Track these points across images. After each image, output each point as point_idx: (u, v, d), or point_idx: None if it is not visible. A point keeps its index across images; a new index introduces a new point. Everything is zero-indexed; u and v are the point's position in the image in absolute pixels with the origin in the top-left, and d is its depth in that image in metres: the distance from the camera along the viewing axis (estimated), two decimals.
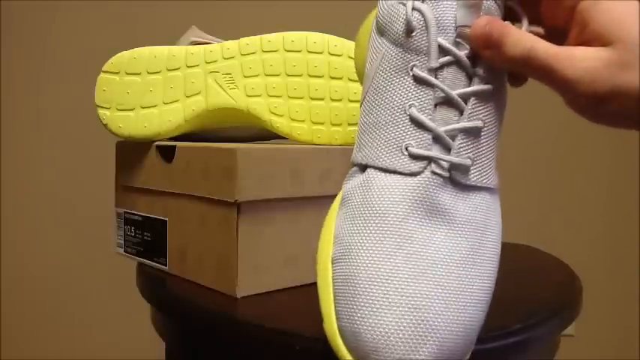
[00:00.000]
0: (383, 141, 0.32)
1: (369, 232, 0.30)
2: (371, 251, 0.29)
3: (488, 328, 0.32)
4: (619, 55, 0.28)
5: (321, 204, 0.44)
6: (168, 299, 0.46)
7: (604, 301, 1.27)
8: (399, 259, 0.29)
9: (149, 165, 0.52)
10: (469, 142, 0.31)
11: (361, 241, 0.30)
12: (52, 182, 1.12)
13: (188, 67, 0.51)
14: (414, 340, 0.27)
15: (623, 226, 1.30)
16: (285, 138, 0.54)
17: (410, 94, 0.31)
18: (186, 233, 0.48)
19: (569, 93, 0.29)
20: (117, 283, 1.05)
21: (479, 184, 0.31)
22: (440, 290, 0.28)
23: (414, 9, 0.31)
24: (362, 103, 0.34)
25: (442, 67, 0.31)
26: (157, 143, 0.51)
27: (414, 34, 0.31)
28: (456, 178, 0.31)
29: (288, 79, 0.53)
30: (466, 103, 0.31)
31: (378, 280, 0.28)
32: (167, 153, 0.50)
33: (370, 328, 0.27)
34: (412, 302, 0.27)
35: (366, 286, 0.28)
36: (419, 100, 0.31)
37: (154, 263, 0.52)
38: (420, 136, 0.31)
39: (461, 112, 0.31)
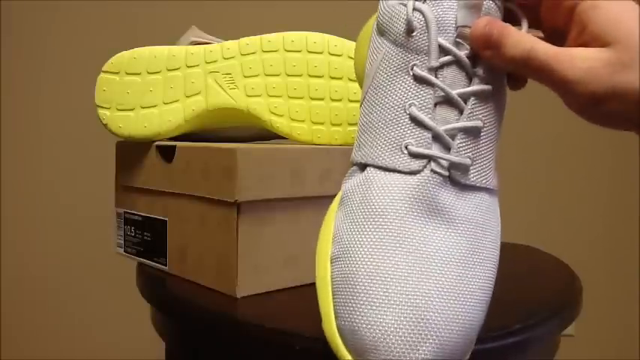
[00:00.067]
0: (383, 140, 0.32)
1: (368, 230, 0.30)
2: (370, 249, 0.29)
3: (488, 328, 0.32)
4: (618, 55, 0.28)
5: (321, 204, 0.44)
6: (168, 299, 0.46)
7: (604, 301, 1.27)
8: (398, 257, 0.29)
9: (149, 165, 0.52)
10: (469, 142, 0.31)
11: (360, 239, 0.30)
12: (52, 182, 1.12)
13: (188, 67, 0.51)
14: (414, 339, 0.27)
15: (623, 226, 1.30)
16: (285, 138, 0.54)
17: (410, 93, 0.31)
18: (186, 233, 0.48)
19: (568, 93, 0.29)
20: (117, 283, 1.05)
21: (478, 185, 0.32)
22: (440, 289, 0.28)
23: (414, 9, 0.32)
24: (362, 103, 0.35)
25: (442, 66, 0.31)
26: (157, 143, 0.51)
27: (414, 33, 0.31)
28: (455, 178, 0.31)
29: (288, 79, 0.53)
30: (466, 103, 0.31)
31: (378, 277, 0.28)
32: (167, 153, 0.50)
33: (369, 326, 0.27)
34: (412, 300, 0.27)
35: (366, 283, 0.28)
36: (419, 99, 0.31)
37: (153, 263, 0.52)
38: (420, 135, 0.31)
39: (460, 112, 0.31)
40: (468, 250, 0.30)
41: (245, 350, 0.38)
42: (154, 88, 0.51)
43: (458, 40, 0.31)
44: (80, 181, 1.12)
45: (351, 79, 0.54)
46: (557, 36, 0.32)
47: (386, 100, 0.32)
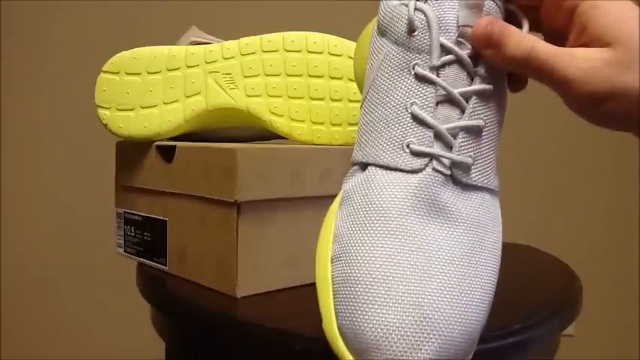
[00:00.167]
0: (384, 139, 0.32)
1: (370, 228, 0.30)
2: (372, 248, 0.29)
3: (488, 328, 0.32)
4: (618, 56, 0.28)
5: (321, 204, 0.44)
6: (168, 299, 0.46)
7: (604, 301, 1.27)
8: (400, 256, 0.28)
9: (149, 165, 0.52)
10: (470, 141, 0.31)
11: (362, 238, 0.30)
12: (52, 182, 1.12)
13: (188, 67, 0.51)
14: (417, 338, 0.26)
15: (623, 226, 1.30)
16: (285, 138, 0.54)
17: (411, 92, 0.31)
18: (186, 233, 0.48)
19: (568, 93, 0.30)
20: (117, 283, 1.05)
21: (480, 184, 0.32)
22: (443, 288, 0.28)
23: (416, 9, 0.32)
24: (362, 103, 0.35)
25: (444, 65, 0.31)
26: (157, 143, 0.51)
27: (415, 33, 0.31)
28: (457, 177, 0.31)
29: (288, 79, 0.53)
30: (467, 102, 0.31)
31: (380, 277, 0.28)
32: (167, 153, 0.50)
33: (371, 325, 0.27)
34: (415, 300, 0.27)
35: (367, 283, 0.28)
36: (420, 98, 0.31)
37: (154, 263, 0.52)
38: (422, 134, 0.31)
39: (462, 111, 0.31)
40: (470, 249, 0.30)
41: (245, 350, 0.38)
42: (154, 88, 0.51)
43: (459, 39, 0.31)
44: (80, 181, 1.12)
45: (351, 79, 0.54)
46: (557, 37, 0.32)
47: (387, 99, 0.32)
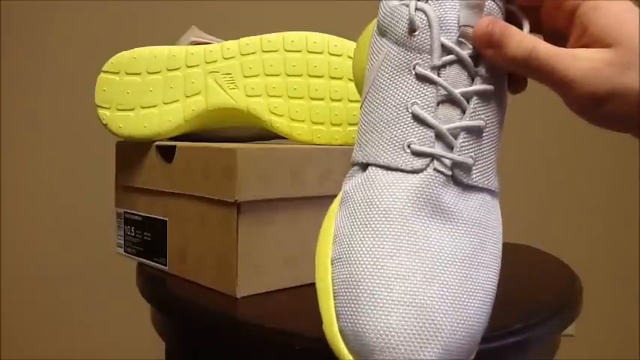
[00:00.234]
0: (385, 139, 0.32)
1: (370, 229, 0.30)
2: (373, 249, 0.29)
3: (488, 327, 0.32)
4: (619, 56, 0.28)
5: (321, 204, 0.44)
6: (168, 299, 0.46)
7: (604, 301, 1.27)
8: (402, 258, 0.28)
9: (149, 165, 0.52)
10: (471, 142, 0.31)
11: (363, 238, 0.30)
12: (52, 182, 1.12)
13: (188, 67, 0.51)
14: (420, 340, 0.26)
15: (623, 226, 1.30)
16: (285, 138, 0.54)
17: (412, 92, 0.31)
18: (186, 233, 0.48)
19: (569, 94, 0.30)
20: (117, 283, 1.05)
21: (480, 185, 0.31)
22: (446, 290, 0.28)
23: (417, 9, 0.31)
24: (362, 104, 0.34)
25: (444, 65, 0.31)
26: (157, 143, 0.51)
27: (416, 33, 0.31)
28: (458, 177, 0.31)
29: (288, 79, 0.53)
30: (468, 103, 0.31)
31: (382, 278, 0.28)
32: (167, 153, 0.50)
33: (373, 327, 0.27)
34: (417, 301, 0.27)
35: (368, 284, 0.28)
36: (421, 98, 0.31)
37: (154, 263, 0.52)
38: (423, 134, 0.31)
39: (463, 111, 0.31)
40: (471, 251, 0.30)
41: (245, 350, 0.38)
42: (154, 88, 0.51)
43: (460, 39, 0.31)
44: (80, 181, 1.12)
45: (351, 79, 0.54)
46: (557, 38, 0.32)
47: (388, 99, 0.32)
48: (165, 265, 0.51)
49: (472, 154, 0.31)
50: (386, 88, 0.32)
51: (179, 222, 0.49)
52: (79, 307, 1.14)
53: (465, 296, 0.28)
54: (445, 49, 0.31)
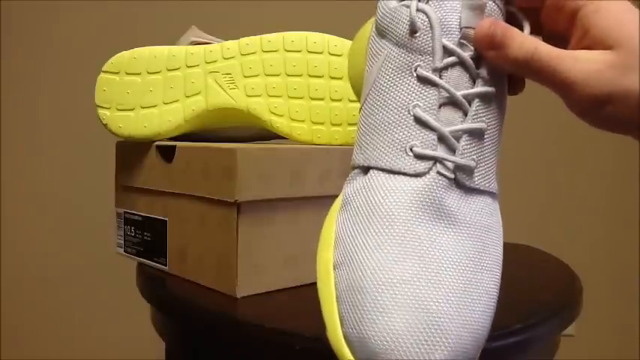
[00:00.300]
0: (386, 142, 0.31)
1: (373, 233, 0.29)
2: (377, 254, 0.29)
3: None
4: (621, 58, 0.28)
5: (321, 204, 0.44)
6: (168, 299, 0.46)
7: (604, 301, 1.27)
8: (406, 262, 0.28)
9: (149, 165, 0.52)
10: (473, 144, 0.31)
11: (366, 243, 0.29)
12: (52, 182, 1.12)
13: (188, 67, 0.51)
14: (427, 345, 0.26)
15: (623, 226, 1.30)
16: (285, 138, 0.54)
17: (414, 95, 0.31)
18: (186, 233, 0.48)
19: (571, 96, 0.29)
20: (117, 283, 1.05)
21: (482, 188, 0.31)
22: (451, 294, 0.27)
23: (418, 10, 0.31)
24: (362, 105, 0.34)
25: (446, 67, 0.31)
26: (157, 143, 0.51)
27: (417, 34, 0.31)
28: (460, 180, 0.30)
29: (288, 79, 0.53)
30: (470, 105, 0.31)
31: (386, 282, 0.27)
32: (167, 153, 0.50)
33: (379, 332, 0.26)
34: (423, 305, 0.27)
35: (373, 289, 0.27)
36: (423, 101, 0.31)
37: (153, 263, 0.52)
38: (425, 137, 0.30)
39: (465, 114, 0.31)
40: (475, 254, 0.30)
41: (245, 350, 0.38)
42: (154, 88, 0.51)
43: (462, 41, 0.31)
44: (80, 181, 1.12)
45: None
46: (557, 40, 0.32)
47: (389, 101, 0.32)
48: (166, 265, 0.51)
49: (474, 156, 0.31)
50: (387, 90, 0.32)
51: (179, 222, 0.49)
52: (79, 307, 1.14)
53: (469, 300, 0.28)
54: (447, 51, 0.31)
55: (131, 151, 0.54)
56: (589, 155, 1.29)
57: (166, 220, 0.50)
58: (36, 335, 1.13)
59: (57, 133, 1.12)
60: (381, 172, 0.31)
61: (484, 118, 0.31)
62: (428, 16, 0.31)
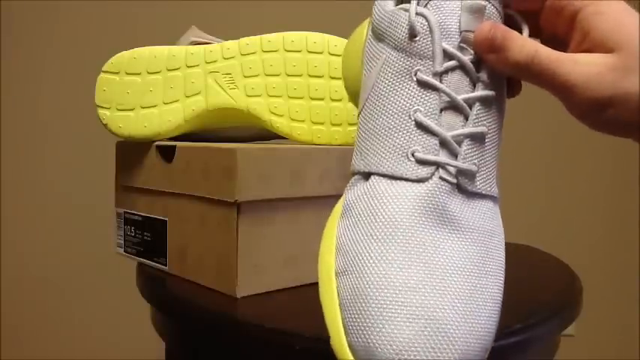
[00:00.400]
0: (388, 147, 0.31)
1: (377, 240, 0.29)
2: (380, 261, 0.28)
3: None
4: (621, 60, 0.28)
5: (321, 204, 0.44)
6: (168, 299, 0.46)
7: (604, 301, 1.27)
8: (411, 269, 0.28)
9: (149, 165, 0.52)
10: (475, 148, 0.31)
11: (369, 250, 0.29)
12: (52, 182, 1.12)
13: (188, 67, 0.51)
14: (434, 352, 0.26)
15: (623, 226, 1.30)
16: (285, 138, 0.54)
17: (414, 99, 0.31)
18: (186, 233, 0.48)
19: (571, 99, 0.29)
20: (117, 283, 1.05)
21: (484, 192, 0.31)
22: (457, 301, 0.27)
23: (417, 14, 0.31)
24: (360, 110, 0.34)
25: (447, 71, 0.30)
26: (157, 143, 0.51)
27: (417, 38, 0.31)
28: (462, 185, 0.30)
29: (288, 79, 0.53)
30: (471, 109, 0.31)
31: (391, 290, 0.27)
32: (167, 153, 0.50)
33: (385, 341, 0.26)
34: (429, 313, 0.26)
35: (378, 297, 0.27)
36: (424, 105, 0.30)
37: (154, 263, 0.52)
38: (427, 142, 0.30)
39: (466, 118, 0.31)
40: (479, 259, 0.29)
41: (245, 350, 0.38)
42: (154, 88, 0.51)
43: (462, 44, 0.31)
44: (80, 181, 1.12)
45: None
46: (556, 43, 0.32)
47: (389, 106, 0.31)
48: (165, 265, 0.51)
49: (476, 161, 0.31)
50: (386, 94, 0.32)
51: (179, 222, 0.49)
52: (79, 307, 1.14)
53: (475, 306, 0.28)
54: (447, 55, 0.30)
55: (131, 151, 0.54)
56: (589, 156, 1.29)
57: (166, 220, 0.50)
58: (36, 335, 1.13)
59: (57, 133, 1.12)
60: (382, 177, 0.31)
61: (485, 122, 0.31)
62: (427, 20, 0.31)
